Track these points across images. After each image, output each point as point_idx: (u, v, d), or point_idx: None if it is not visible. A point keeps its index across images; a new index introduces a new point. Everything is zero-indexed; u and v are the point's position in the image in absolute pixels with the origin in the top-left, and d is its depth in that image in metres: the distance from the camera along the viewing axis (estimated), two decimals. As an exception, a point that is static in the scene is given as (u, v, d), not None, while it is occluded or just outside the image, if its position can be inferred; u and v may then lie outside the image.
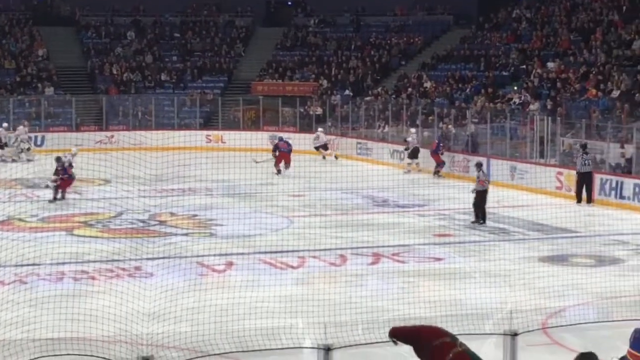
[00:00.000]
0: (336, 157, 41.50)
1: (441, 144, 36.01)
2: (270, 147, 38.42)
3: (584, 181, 28.68)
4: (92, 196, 29.27)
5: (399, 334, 8.09)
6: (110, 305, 13.18)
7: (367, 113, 44.55)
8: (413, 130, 38.63)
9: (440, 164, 35.30)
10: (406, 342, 7.93)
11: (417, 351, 7.79)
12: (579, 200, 28.57)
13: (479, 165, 25.60)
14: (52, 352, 10.62)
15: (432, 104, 42.78)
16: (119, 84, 51.59)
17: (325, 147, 42.18)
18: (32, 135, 43.30)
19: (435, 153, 35.56)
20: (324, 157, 41.11)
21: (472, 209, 24.79)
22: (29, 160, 39.21)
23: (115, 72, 52.26)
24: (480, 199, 24.61)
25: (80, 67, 53.48)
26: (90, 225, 24.31)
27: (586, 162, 28.75)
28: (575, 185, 29.07)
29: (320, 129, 43.16)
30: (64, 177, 28.37)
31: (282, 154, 36.89)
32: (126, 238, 21.73)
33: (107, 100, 48.96)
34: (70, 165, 29.47)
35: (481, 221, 24.39)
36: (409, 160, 37.18)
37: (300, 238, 22.16)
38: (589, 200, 28.56)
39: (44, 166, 29.57)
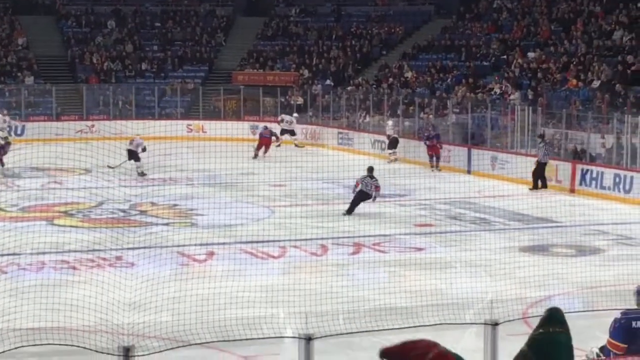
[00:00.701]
0: (299, 146, 41.49)
1: (426, 134, 35.83)
2: (252, 136, 38.74)
3: (542, 170, 28.98)
4: (73, 186, 29.16)
5: (390, 353, 7.81)
6: (91, 295, 13.14)
7: (348, 103, 44.57)
8: (390, 122, 38.68)
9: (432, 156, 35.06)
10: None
11: None
12: (535, 187, 28.83)
13: (370, 169, 25.49)
14: (33, 342, 10.58)
15: (413, 94, 42.84)
16: (99, 73, 51.43)
17: (292, 132, 42.28)
18: (14, 124, 43.13)
19: (434, 146, 35.09)
20: (278, 145, 40.52)
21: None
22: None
23: (95, 61, 52.08)
24: (358, 198, 24.71)
25: (61, 56, 53.28)
26: (70, 215, 24.25)
27: (548, 151, 29.05)
28: (533, 172, 29.32)
29: (295, 115, 43.28)
30: None
31: (263, 139, 37.42)
32: (107, 228, 21.69)
33: (88, 90, 48.79)
34: (144, 150, 30.41)
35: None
36: (389, 151, 37.20)
37: (281, 228, 22.19)
38: (545, 185, 28.98)
39: (24, 155, 29.45)
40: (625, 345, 9.97)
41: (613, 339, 10.02)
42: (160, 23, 56.28)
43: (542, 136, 30.02)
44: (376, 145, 39.42)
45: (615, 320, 10.01)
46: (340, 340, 11.60)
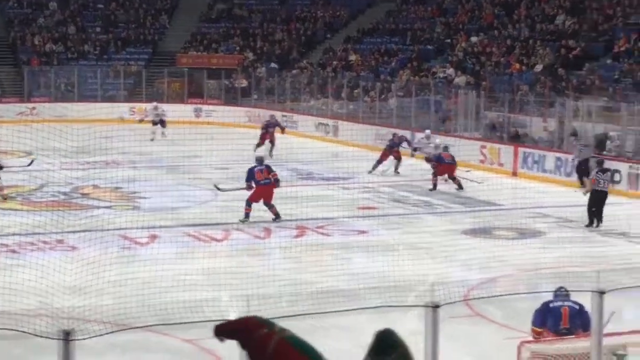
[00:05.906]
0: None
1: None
2: (195, 119, 38.20)
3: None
4: (13, 168, 28.79)
5: (224, 330, 7.47)
6: (32, 278, 13.02)
7: (292, 86, 44.52)
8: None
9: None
10: (233, 337, 7.34)
11: (244, 347, 7.17)
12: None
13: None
14: (-29, 326, 10.46)
15: (358, 77, 42.89)
16: (41, 55, 50.82)
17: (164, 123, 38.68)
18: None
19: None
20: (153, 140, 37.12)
21: None
22: None
23: (37, 42, 51.46)
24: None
25: (2, 37, 52.60)
26: (10, 198, 23.98)
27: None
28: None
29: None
30: None
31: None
32: (48, 211, 21.46)
33: (29, 72, 48.26)
34: None
35: None
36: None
37: (225, 211, 22.10)
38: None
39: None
40: (542, 330, 10.30)
41: (532, 326, 10.40)
42: (104, 4, 55.69)
43: (575, 134, 28.67)
44: (320, 128, 39.40)
45: (537, 310, 10.46)
46: (283, 323, 11.59)
